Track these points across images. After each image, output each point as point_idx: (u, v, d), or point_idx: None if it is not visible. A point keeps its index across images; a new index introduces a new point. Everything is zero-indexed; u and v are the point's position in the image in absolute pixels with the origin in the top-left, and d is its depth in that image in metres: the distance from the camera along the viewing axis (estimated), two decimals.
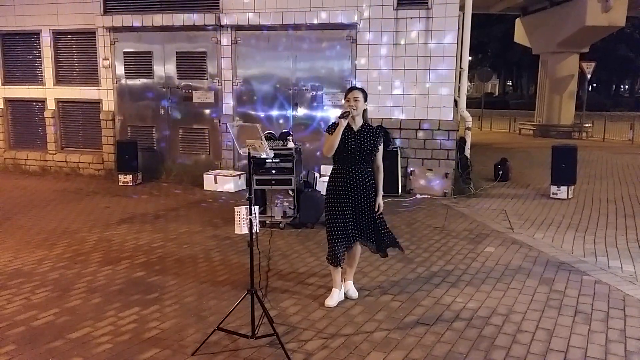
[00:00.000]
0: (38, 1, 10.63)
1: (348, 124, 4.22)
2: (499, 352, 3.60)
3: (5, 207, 7.96)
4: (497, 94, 55.47)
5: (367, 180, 4.26)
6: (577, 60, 20.86)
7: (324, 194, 4.47)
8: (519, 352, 3.60)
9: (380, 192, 4.33)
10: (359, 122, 4.28)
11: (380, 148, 4.31)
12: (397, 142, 9.05)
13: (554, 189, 8.87)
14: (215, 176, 9.31)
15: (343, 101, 4.35)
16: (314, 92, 9.37)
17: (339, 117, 4.12)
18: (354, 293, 4.53)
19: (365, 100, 4.26)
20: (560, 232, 6.77)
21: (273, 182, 6.79)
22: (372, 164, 4.32)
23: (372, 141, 4.23)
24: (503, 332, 3.89)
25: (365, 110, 4.30)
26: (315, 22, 9.01)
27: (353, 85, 4.37)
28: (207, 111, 10.03)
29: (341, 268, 4.38)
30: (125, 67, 10.33)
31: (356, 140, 4.21)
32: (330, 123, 4.29)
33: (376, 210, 4.29)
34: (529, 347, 3.67)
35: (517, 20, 23.31)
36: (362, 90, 4.29)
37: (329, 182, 4.39)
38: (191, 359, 3.48)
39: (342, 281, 4.54)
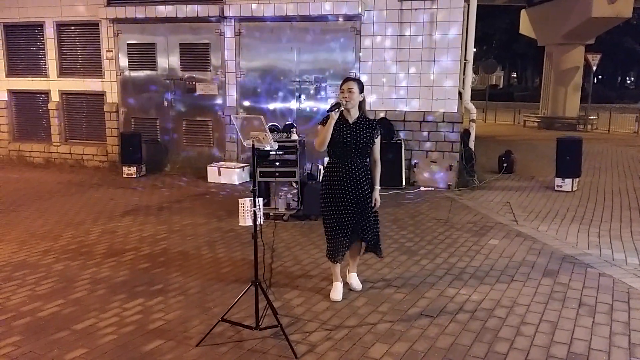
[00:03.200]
0: None
1: (343, 116, 4.09)
2: (502, 344, 3.60)
3: (10, 199, 7.99)
4: (501, 85, 55.20)
5: (363, 174, 4.14)
6: (583, 52, 20.73)
7: (320, 188, 4.33)
8: (522, 344, 3.61)
9: (377, 187, 4.24)
10: (354, 114, 4.13)
11: (377, 141, 4.18)
12: (401, 134, 9.03)
13: (558, 181, 8.84)
14: (219, 168, 9.32)
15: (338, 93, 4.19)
16: (318, 84, 9.34)
17: (329, 111, 3.98)
18: (357, 285, 4.51)
19: (362, 91, 4.11)
20: (564, 225, 6.75)
21: (277, 174, 6.79)
22: (369, 157, 4.21)
23: (368, 134, 4.10)
24: (507, 325, 3.89)
25: (362, 102, 4.16)
26: (319, 13, 8.96)
27: (348, 76, 4.23)
28: (210, 103, 10.01)
29: (340, 263, 4.33)
30: (128, 59, 10.32)
31: (352, 133, 4.08)
32: (325, 115, 4.12)
33: (373, 205, 4.19)
34: (532, 339, 3.67)
35: (523, 12, 23.16)
36: (357, 81, 4.14)
37: (324, 176, 4.26)
38: (195, 350, 3.49)
39: (347, 272, 4.55)
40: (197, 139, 10.25)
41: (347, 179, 4.12)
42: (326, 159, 4.38)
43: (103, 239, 5.99)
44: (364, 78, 9.11)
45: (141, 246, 5.74)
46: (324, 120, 4.05)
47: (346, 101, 4.03)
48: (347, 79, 4.15)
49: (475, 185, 9.05)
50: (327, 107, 4.13)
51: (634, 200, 8.16)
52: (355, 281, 4.53)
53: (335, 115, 3.98)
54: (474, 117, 9.67)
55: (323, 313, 4.06)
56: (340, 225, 4.18)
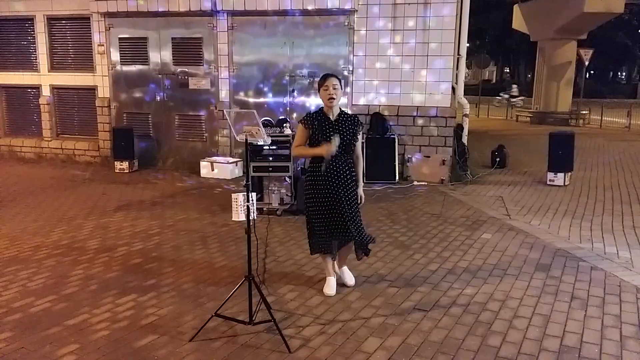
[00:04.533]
0: None
1: (324, 114, 4.05)
2: (495, 337, 3.62)
3: (1, 195, 7.93)
4: (494, 80, 55.31)
5: (347, 171, 4.09)
6: (575, 47, 20.81)
7: (304, 187, 4.25)
8: (515, 337, 3.62)
9: (361, 183, 4.21)
10: (336, 111, 4.08)
11: (359, 137, 4.14)
12: (395, 129, 9.03)
13: (550, 175, 8.88)
14: (212, 163, 9.29)
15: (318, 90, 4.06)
16: (311, 79, 9.32)
17: (331, 151, 3.86)
18: (350, 279, 4.45)
19: (342, 87, 4.08)
20: (556, 219, 6.78)
21: (270, 169, 6.78)
22: (352, 154, 4.16)
23: (352, 130, 4.05)
24: (500, 318, 3.91)
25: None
26: (312, 7, 8.93)
27: (328, 73, 4.15)
28: (203, 98, 9.97)
29: (331, 256, 4.31)
30: (120, 53, 10.25)
31: (335, 130, 4.01)
32: (307, 113, 4.07)
33: (358, 201, 4.16)
34: (525, 333, 3.69)
35: (516, 7, 23.20)
36: (338, 77, 4.07)
37: (307, 176, 4.18)
38: (189, 345, 3.48)
39: (337, 268, 4.49)
40: (189, 133, 10.20)
41: (332, 178, 4.05)
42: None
43: (95, 235, 5.96)
44: (357, 73, 9.10)
45: (134, 241, 5.71)
46: (305, 120, 4.00)
47: (332, 98, 3.96)
48: (329, 75, 4.03)
49: (468, 179, 9.07)
50: (320, 101, 4.08)
51: (626, 194, 8.21)
52: (347, 275, 4.47)
53: (325, 151, 3.89)
54: (467, 112, 9.69)
55: (317, 307, 4.06)
56: (326, 224, 4.13)
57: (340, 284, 4.46)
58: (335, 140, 3.91)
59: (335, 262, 4.44)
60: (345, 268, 4.51)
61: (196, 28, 9.77)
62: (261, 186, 7.08)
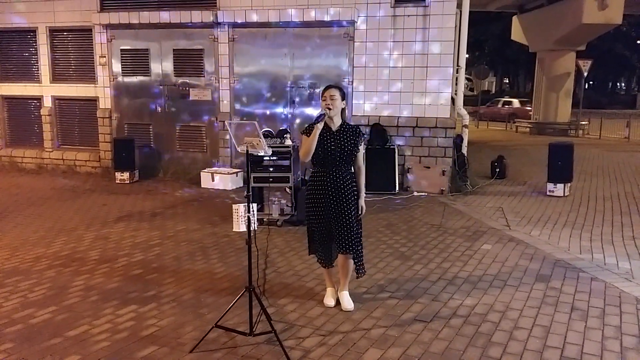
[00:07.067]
0: None
1: (326, 124, 4.04)
2: (495, 348, 3.62)
3: (2, 205, 7.94)
4: (494, 91, 55.50)
5: (348, 182, 4.08)
6: (574, 58, 20.91)
7: (305, 197, 4.25)
8: (515, 348, 3.62)
9: (363, 194, 4.20)
10: (337, 122, 4.09)
11: (361, 148, 4.15)
12: (395, 139, 9.06)
13: (550, 186, 8.90)
14: (212, 174, 9.31)
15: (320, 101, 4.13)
16: (312, 90, 9.38)
17: (315, 122, 3.92)
18: (349, 304, 4.24)
19: (343, 98, 4.09)
20: (556, 230, 6.79)
21: (271, 179, 6.80)
22: (353, 165, 4.16)
23: (352, 141, 4.06)
24: (500, 329, 3.91)
25: (343, 109, 4.13)
26: (313, 19, 9.00)
27: (330, 84, 4.21)
28: (204, 109, 10.02)
29: (332, 267, 4.31)
30: (122, 65, 10.31)
31: (336, 141, 4.03)
32: (307, 124, 4.08)
33: (359, 212, 4.15)
34: (525, 344, 3.69)
35: (514, 18, 23.35)
36: (338, 88, 4.10)
37: (308, 186, 4.20)
38: (189, 356, 3.48)
39: (338, 291, 4.37)
40: (190, 144, 10.24)
41: (332, 188, 4.06)
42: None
43: (96, 245, 5.97)
44: (357, 84, 9.16)
45: (134, 252, 5.72)
46: (307, 130, 4.01)
47: (329, 109, 3.99)
48: (328, 87, 4.11)
49: (468, 190, 9.09)
50: (321, 112, 4.10)
51: (625, 205, 8.22)
52: (346, 300, 4.27)
53: (320, 126, 3.92)
54: (467, 123, 9.73)
55: (317, 318, 4.06)
56: (325, 233, 4.16)
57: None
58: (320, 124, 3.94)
59: (335, 288, 4.40)
60: (345, 293, 4.31)
61: (197, 39, 9.85)
62: (262, 197, 7.10)
